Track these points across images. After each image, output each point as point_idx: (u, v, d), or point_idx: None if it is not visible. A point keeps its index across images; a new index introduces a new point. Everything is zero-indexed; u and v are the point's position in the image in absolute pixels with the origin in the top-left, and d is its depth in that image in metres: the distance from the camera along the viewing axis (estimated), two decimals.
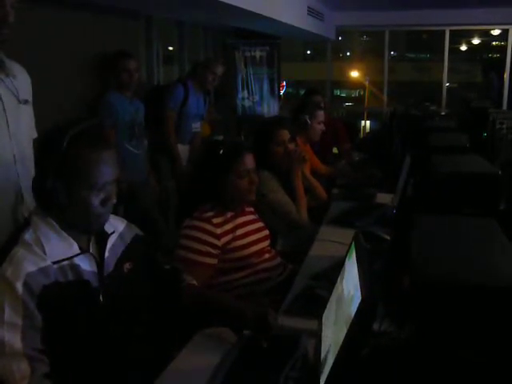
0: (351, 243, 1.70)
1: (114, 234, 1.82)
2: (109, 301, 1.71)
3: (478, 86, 12.19)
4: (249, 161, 2.53)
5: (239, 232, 2.53)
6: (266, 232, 2.70)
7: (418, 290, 1.43)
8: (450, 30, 9.68)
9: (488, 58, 13.05)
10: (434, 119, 7.41)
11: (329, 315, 1.65)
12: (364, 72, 10.87)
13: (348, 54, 13.47)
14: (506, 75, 9.51)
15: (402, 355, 1.59)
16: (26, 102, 2.34)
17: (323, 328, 1.66)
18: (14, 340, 1.49)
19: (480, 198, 2.44)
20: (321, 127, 4.38)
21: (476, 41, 12.68)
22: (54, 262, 1.60)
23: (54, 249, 1.62)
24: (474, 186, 2.45)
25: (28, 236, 1.62)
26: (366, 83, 10.41)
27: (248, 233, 2.57)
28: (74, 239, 1.67)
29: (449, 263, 1.51)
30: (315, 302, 2.16)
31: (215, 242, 2.42)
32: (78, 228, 1.69)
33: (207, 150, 2.65)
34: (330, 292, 1.69)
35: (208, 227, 2.42)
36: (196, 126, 5.30)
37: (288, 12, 6.38)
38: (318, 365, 1.52)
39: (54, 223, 1.65)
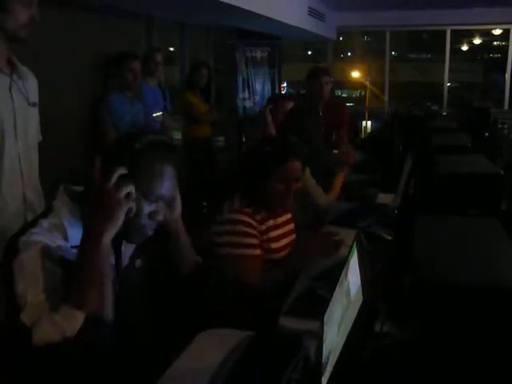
0: (352, 244, 1.69)
1: None
2: (125, 292, 1.71)
3: (480, 85, 12.18)
4: (293, 168, 2.43)
5: (272, 234, 2.49)
6: (293, 237, 2.67)
7: (419, 291, 1.43)
8: (451, 30, 9.67)
9: (489, 58, 13.04)
10: (436, 119, 7.40)
11: (331, 316, 1.64)
12: (365, 72, 10.86)
13: (349, 54, 13.45)
14: (508, 75, 9.50)
15: (404, 356, 1.58)
16: (34, 104, 2.40)
17: (325, 329, 1.65)
18: (36, 290, 1.49)
19: (482, 198, 2.43)
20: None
21: (477, 41, 12.66)
22: (74, 247, 1.59)
23: (76, 234, 1.60)
24: (476, 186, 2.45)
25: (48, 221, 1.61)
26: (367, 83, 10.39)
27: (280, 236, 2.54)
28: None
29: (451, 264, 1.50)
30: (317, 302, 2.15)
31: (258, 235, 2.41)
32: (119, 232, 1.65)
33: (257, 146, 2.56)
34: (332, 293, 1.69)
35: (252, 222, 2.39)
36: (157, 114, 5.20)
37: (289, 12, 6.38)
38: (319, 366, 1.51)
39: (77, 210, 1.64)
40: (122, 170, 1.55)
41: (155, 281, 1.90)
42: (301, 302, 2.24)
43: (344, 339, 1.53)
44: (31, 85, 2.42)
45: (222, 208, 2.45)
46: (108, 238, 1.55)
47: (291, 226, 2.67)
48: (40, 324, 1.45)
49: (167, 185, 1.66)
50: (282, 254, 2.54)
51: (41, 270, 1.52)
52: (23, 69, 2.38)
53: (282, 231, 2.57)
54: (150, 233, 1.72)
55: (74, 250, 1.59)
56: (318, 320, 1.72)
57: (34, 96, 2.43)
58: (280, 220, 2.56)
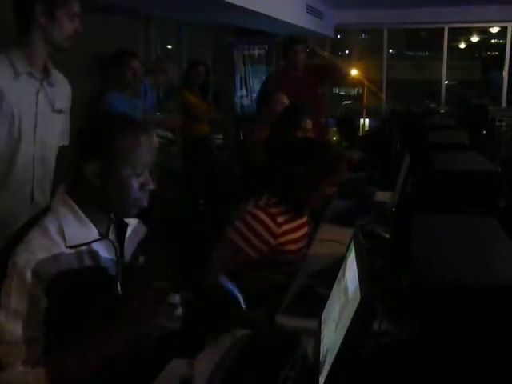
0: (350, 242, 1.69)
1: (129, 227, 1.82)
2: (126, 289, 1.72)
3: (477, 83, 12.18)
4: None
5: (292, 236, 2.50)
6: (306, 240, 2.67)
7: (417, 289, 1.43)
8: (449, 28, 9.67)
9: (487, 56, 13.03)
10: (434, 117, 7.41)
11: (328, 314, 1.64)
12: (363, 70, 10.85)
13: (347, 52, 13.43)
14: (505, 72, 9.50)
15: (403, 354, 1.58)
16: (60, 111, 2.49)
17: (323, 327, 1.65)
18: (16, 328, 1.50)
19: (480, 195, 2.44)
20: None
21: (475, 38, 12.64)
22: (72, 247, 1.61)
23: (74, 233, 1.62)
24: (473, 183, 2.45)
25: (47, 220, 1.61)
26: (365, 81, 10.38)
27: (297, 239, 2.54)
28: (94, 225, 1.67)
29: (449, 262, 1.50)
30: (315, 301, 2.15)
31: (270, 240, 2.40)
32: (116, 211, 1.72)
33: (313, 148, 2.59)
34: (330, 291, 1.69)
35: (270, 224, 2.39)
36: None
37: (287, 10, 6.37)
38: (317, 365, 1.51)
39: (76, 207, 1.65)
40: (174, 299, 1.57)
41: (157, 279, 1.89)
42: (299, 300, 2.24)
43: (342, 338, 1.53)
44: (62, 92, 2.51)
45: (248, 199, 2.49)
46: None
47: (306, 228, 2.67)
48: (9, 371, 1.48)
49: (148, 152, 1.68)
50: (298, 255, 2.56)
51: (26, 302, 1.51)
52: (58, 76, 2.47)
53: (301, 233, 2.58)
54: (145, 203, 1.72)
55: (71, 250, 1.60)
56: (315, 318, 1.72)
57: (62, 103, 2.51)
58: (299, 222, 2.57)
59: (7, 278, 1.52)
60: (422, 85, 12.53)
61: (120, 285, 1.72)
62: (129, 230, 1.82)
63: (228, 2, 4.46)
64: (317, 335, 1.64)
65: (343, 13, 9.20)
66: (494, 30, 11.20)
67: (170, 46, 7.19)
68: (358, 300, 1.78)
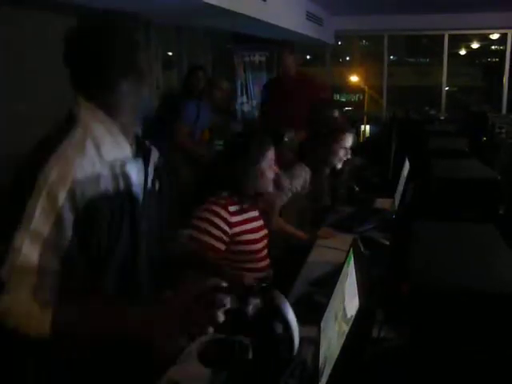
0: (349, 249, 1.69)
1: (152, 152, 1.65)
2: (145, 218, 1.56)
3: (478, 89, 12.20)
4: (273, 155, 2.59)
5: (248, 226, 2.54)
6: (266, 231, 2.69)
7: (417, 296, 1.42)
8: (449, 35, 9.68)
9: (487, 62, 13.06)
10: (434, 123, 7.42)
11: (328, 322, 1.64)
12: (363, 76, 10.86)
13: (347, 58, 13.47)
14: (505, 79, 9.51)
15: (402, 361, 1.58)
16: None
17: (322, 335, 1.65)
18: (32, 253, 1.30)
19: (479, 202, 2.44)
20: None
21: (475, 45, 12.67)
22: (107, 166, 1.43)
23: (109, 150, 1.44)
24: (473, 190, 2.45)
25: (78, 132, 1.42)
26: (366, 87, 10.40)
27: (254, 229, 2.57)
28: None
29: (448, 269, 1.50)
30: (314, 308, 2.14)
31: (226, 228, 2.44)
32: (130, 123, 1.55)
33: (237, 141, 2.69)
34: (329, 299, 1.68)
35: (222, 213, 2.44)
36: None
37: (287, 17, 6.38)
38: (316, 372, 1.51)
39: (109, 120, 1.47)
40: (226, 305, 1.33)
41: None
42: (298, 307, 2.23)
43: (341, 345, 1.53)
44: None
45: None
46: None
47: (261, 221, 2.69)
48: (13, 296, 1.29)
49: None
50: (259, 245, 2.57)
51: (51, 226, 1.32)
52: None
53: (256, 225, 2.60)
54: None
55: (107, 172, 1.42)
56: (314, 326, 1.72)
57: None
58: (252, 214, 2.59)
59: (34, 192, 1.32)
60: (423, 91, 12.56)
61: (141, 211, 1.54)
62: (154, 153, 1.65)
63: (228, 9, 4.47)
64: (316, 343, 1.64)
65: (343, 19, 9.21)
66: (495, 36, 11.22)
67: (170, 53, 7.20)
68: (357, 307, 1.77)
